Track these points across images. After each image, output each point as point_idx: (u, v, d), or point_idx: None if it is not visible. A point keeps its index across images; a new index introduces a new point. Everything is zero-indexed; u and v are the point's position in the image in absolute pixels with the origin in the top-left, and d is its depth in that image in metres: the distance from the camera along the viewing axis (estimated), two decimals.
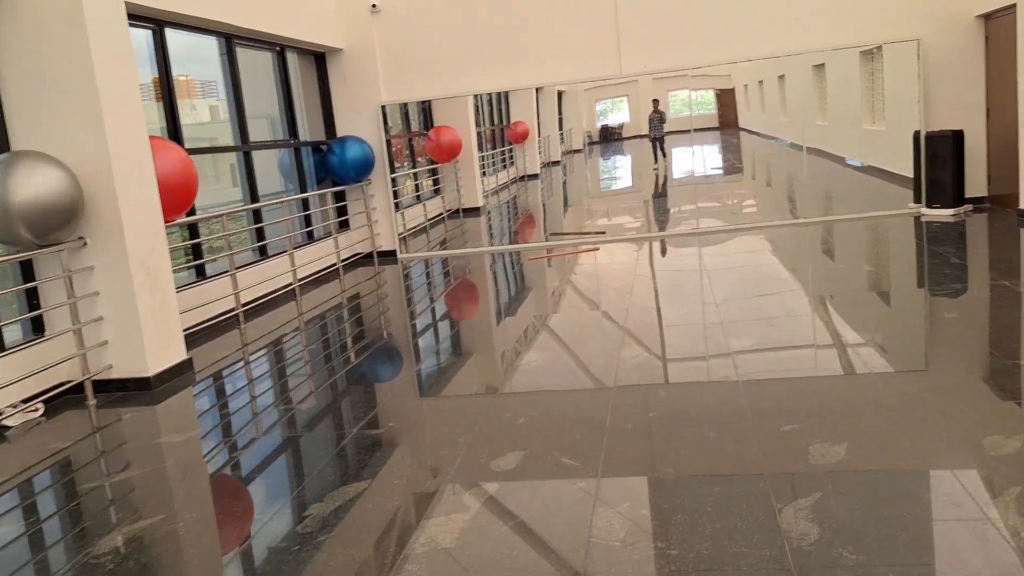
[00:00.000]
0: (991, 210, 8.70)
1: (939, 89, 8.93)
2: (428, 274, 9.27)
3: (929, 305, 5.37)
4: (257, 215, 7.97)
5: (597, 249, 9.29)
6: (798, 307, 5.74)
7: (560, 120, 20.51)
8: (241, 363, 5.94)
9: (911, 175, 10.82)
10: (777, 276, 6.94)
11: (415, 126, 13.61)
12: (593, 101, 20.97)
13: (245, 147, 7.92)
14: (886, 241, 8.06)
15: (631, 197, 17.15)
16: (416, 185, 13.10)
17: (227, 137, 7.96)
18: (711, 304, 5.90)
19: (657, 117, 16.71)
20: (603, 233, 10.47)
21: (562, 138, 20.46)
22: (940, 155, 8.60)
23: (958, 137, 8.53)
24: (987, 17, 8.60)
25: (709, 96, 20.78)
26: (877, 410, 3.55)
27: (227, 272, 6.81)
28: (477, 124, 16.51)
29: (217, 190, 8.26)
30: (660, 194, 15.58)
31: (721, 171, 18.81)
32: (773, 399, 3.86)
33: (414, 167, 13.34)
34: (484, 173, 16.70)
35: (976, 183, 8.89)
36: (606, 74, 9.84)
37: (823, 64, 16.41)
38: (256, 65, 8.92)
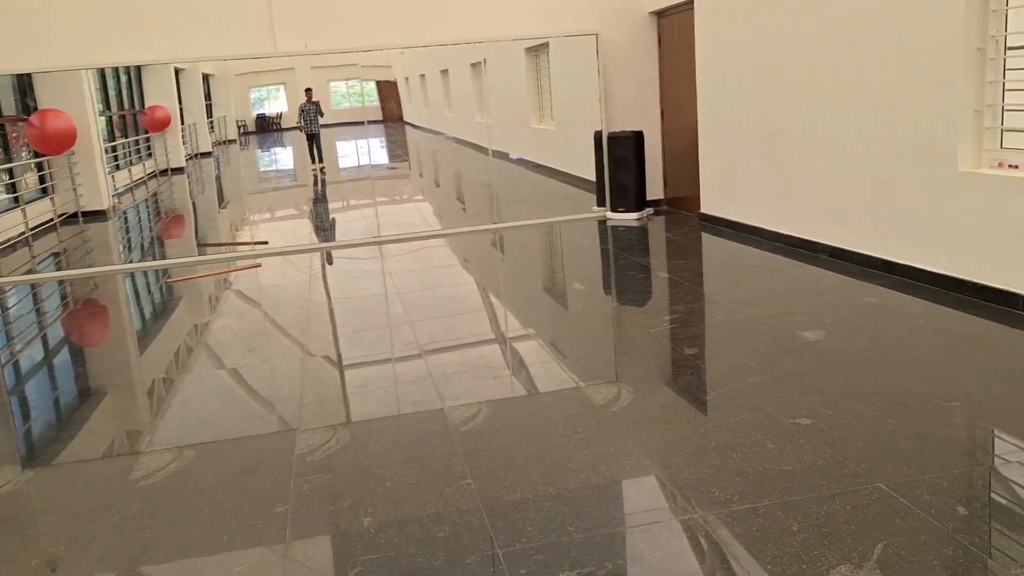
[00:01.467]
0: (668, 213, 8.48)
1: (615, 88, 8.51)
2: (34, 300, 6.77)
3: (661, 330, 4.56)
4: None
5: (259, 265, 7.51)
6: (506, 333, 4.65)
7: (209, 107, 17.98)
8: None
9: (585, 176, 10.53)
10: (473, 295, 5.82)
11: (8, 109, 10.49)
12: (247, 87, 18.70)
13: None
14: (581, 249, 7.37)
15: (295, 195, 15.24)
16: (12, 184, 10.08)
17: None
18: (407, 334, 4.58)
19: (312, 109, 14.43)
20: (266, 243, 8.68)
21: (212, 127, 17.93)
22: (623, 157, 8.17)
23: (639, 138, 8.15)
24: (660, 14, 8.32)
25: (371, 88, 19.55)
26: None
27: None
28: (105, 108, 13.63)
29: None
30: (323, 198, 13.61)
31: (390, 169, 17.71)
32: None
33: (9, 161, 10.28)
34: (118, 167, 13.83)
35: (654, 186, 8.64)
36: (258, 52, 8.03)
37: (483, 60, 15.98)
38: None
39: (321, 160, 14.89)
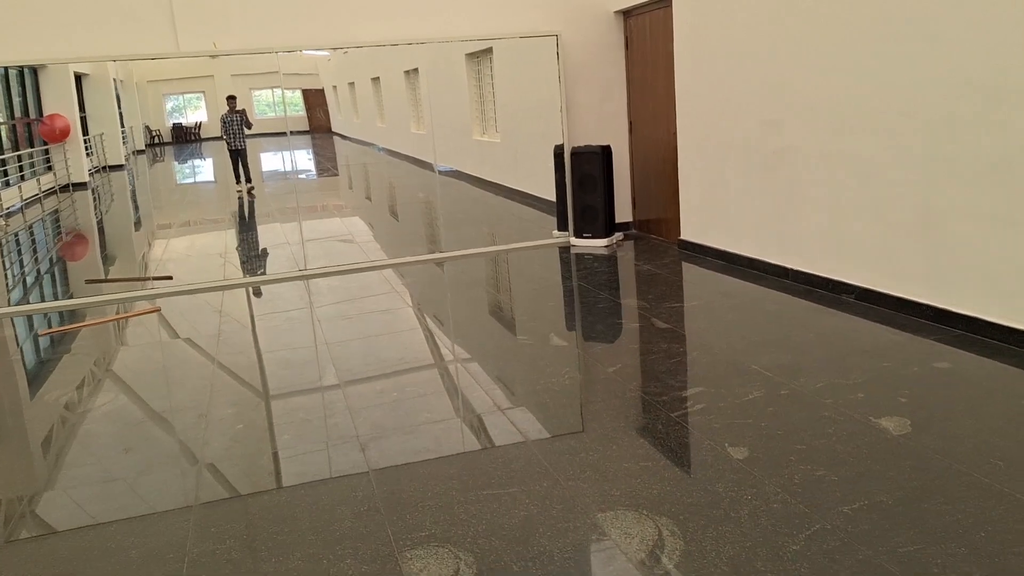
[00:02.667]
0: (639, 238, 7.38)
1: (576, 96, 7.37)
2: None
3: (686, 416, 3.41)
4: None
5: (157, 309, 6.08)
6: (475, 428, 3.43)
7: (121, 115, 16.29)
8: None
9: (536, 193, 9.40)
10: (424, 357, 4.57)
11: None
12: (161, 95, 17.07)
13: None
14: (548, 286, 6.16)
15: (212, 216, 13.60)
16: None
17: None
18: (345, 425, 3.32)
19: (236, 119, 12.33)
20: (170, 279, 7.22)
21: (125, 137, 16.24)
22: (589, 175, 7.02)
23: (606, 154, 7.02)
24: (627, 14, 7.22)
25: (297, 97, 18.06)
26: None
27: None
28: None
29: None
30: (248, 222, 11.70)
31: (319, 185, 16.30)
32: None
33: None
34: (7, 183, 12.12)
35: (622, 207, 7.53)
36: (157, 51, 6.64)
37: (416, 68, 14.72)
38: None
39: (248, 179, 12.60)
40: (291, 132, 17.56)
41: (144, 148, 16.53)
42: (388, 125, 17.80)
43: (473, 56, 11.61)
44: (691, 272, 5.98)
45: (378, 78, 18.04)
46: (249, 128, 12.34)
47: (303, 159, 19.45)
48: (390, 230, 9.89)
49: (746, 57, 5.49)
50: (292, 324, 5.36)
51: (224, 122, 12.24)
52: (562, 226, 7.42)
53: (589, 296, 5.54)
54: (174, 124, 16.81)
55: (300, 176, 16.95)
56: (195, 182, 18.19)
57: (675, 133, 6.53)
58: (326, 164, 18.91)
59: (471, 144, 11.79)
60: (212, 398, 4.04)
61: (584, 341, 4.57)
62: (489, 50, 10.83)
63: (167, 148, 17.19)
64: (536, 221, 8.26)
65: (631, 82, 7.30)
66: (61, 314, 6.24)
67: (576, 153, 7.04)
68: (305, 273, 6.84)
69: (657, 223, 7.19)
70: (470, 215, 9.81)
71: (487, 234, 8.77)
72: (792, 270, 5.30)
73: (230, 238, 9.81)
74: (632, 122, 7.37)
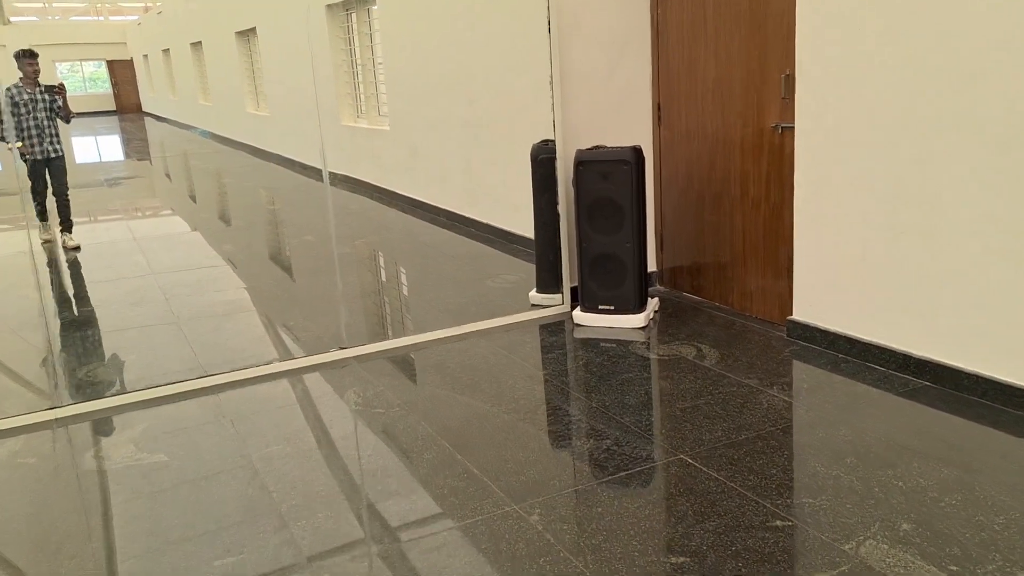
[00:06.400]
0: (673, 303, 4.27)
1: (562, 61, 4.12)
2: None
3: None
4: None
5: None
6: None
7: None
8: None
9: (451, 208, 6.21)
10: None
11: None
12: None
13: None
14: (630, 475, 2.92)
15: None
16: None
17: None
18: None
19: (43, 103, 6.10)
20: None
21: None
22: (608, 199, 3.80)
23: (638, 162, 3.83)
24: None
25: (103, 71, 13.60)
26: None
27: None
28: None
29: None
30: (76, 305, 5.26)
31: (123, 195, 12.00)
32: None
33: None
34: None
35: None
36: None
37: (254, 28, 10.85)
38: None
39: (68, 224, 6.14)
40: (93, 113, 13.07)
41: None
42: (215, 104, 13.68)
43: (337, 8, 8.03)
44: (876, 413, 2.93)
45: (200, 43, 13.82)
46: (67, 121, 6.10)
47: (104, 149, 14.90)
48: (228, 285, 6.17)
49: None
50: None
51: (16, 105, 6.09)
52: (546, 286, 4.17)
53: (747, 522, 2.35)
54: None
55: (107, 176, 12.60)
56: None
57: (780, 127, 3.47)
58: (132, 153, 14.50)
59: (339, 131, 8.25)
60: None
61: None
62: None
63: None
64: (459, 257, 5.00)
65: (663, 35, 4.13)
66: None
67: (585, 162, 3.78)
68: (62, 416, 3.16)
69: (712, 278, 4.11)
70: (353, 245, 6.30)
71: (400, 290, 5.37)
72: None
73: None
74: (661, 105, 4.21)
